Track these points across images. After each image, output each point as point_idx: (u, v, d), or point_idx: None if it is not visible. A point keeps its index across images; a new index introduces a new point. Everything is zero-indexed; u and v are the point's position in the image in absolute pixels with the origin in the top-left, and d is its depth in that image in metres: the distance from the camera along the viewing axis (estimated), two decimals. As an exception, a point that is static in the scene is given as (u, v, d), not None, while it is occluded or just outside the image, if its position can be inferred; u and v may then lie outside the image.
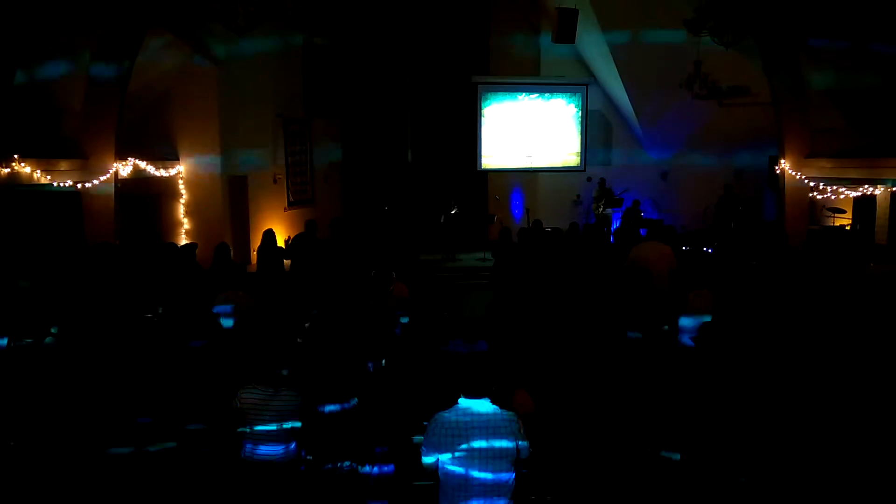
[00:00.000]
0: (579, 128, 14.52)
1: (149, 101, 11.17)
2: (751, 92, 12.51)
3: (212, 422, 4.16)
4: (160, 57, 10.29)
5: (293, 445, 3.81)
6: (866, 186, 10.69)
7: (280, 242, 9.48)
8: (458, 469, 3.05)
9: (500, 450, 3.07)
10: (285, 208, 12.70)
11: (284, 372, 3.84)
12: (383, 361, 5.05)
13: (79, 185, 9.08)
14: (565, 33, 11.50)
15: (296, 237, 9.36)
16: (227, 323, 5.71)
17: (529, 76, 14.43)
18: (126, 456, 3.98)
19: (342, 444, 4.10)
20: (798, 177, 11.01)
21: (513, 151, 14.40)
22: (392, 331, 5.63)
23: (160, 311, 6.26)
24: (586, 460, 4.06)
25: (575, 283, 7.51)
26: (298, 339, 5.30)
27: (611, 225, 13.57)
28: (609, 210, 13.70)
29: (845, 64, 9.92)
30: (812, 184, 11.05)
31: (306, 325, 5.50)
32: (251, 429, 3.68)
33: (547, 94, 14.39)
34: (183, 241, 11.34)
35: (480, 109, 14.17)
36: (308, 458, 4.01)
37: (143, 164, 10.57)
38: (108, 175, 9.33)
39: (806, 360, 4.89)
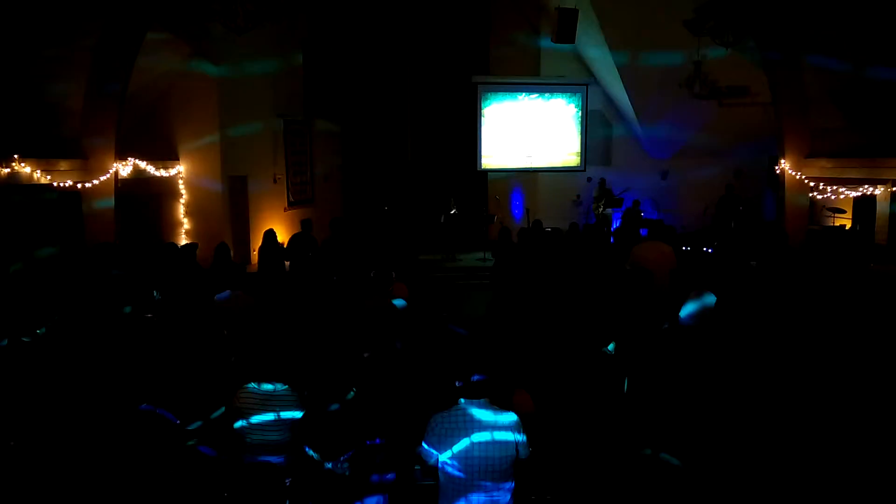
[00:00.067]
0: (579, 128, 14.52)
1: (149, 101, 11.17)
2: (751, 92, 12.52)
3: (211, 421, 4.16)
4: (160, 57, 10.29)
5: (294, 459, 3.81)
6: (866, 186, 10.69)
7: (283, 240, 9.49)
8: (458, 469, 3.05)
9: (500, 450, 3.08)
10: (285, 208, 12.71)
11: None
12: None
13: (79, 185, 9.08)
14: (565, 33, 11.52)
15: (293, 237, 9.37)
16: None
17: (529, 76, 14.43)
18: (126, 455, 3.98)
19: (342, 440, 4.10)
20: (798, 177, 11.01)
21: (513, 151, 14.40)
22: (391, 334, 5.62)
23: (160, 312, 6.26)
24: (586, 460, 4.06)
25: (575, 283, 7.51)
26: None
27: (611, 225, 13.57)
28: (609, 210, 13.70)
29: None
30: (812, 184, 11.05)
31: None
32: (248, 422, 3.68)
33: (547, 94, 14.39)
34: (183, 241, 11.34)
35: (480, 109, 14.17)
36: (315, 455, 4.01)
37: (143, 164, 10.57)
38: (108, 175, 9.33)
39: (806, 360, 4.89)
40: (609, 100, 14.62)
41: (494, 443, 3.07)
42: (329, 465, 4.00)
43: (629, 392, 4.24)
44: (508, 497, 3.14)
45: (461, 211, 13.11)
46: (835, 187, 11.01)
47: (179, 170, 11.71)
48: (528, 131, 14.40)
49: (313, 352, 4.97)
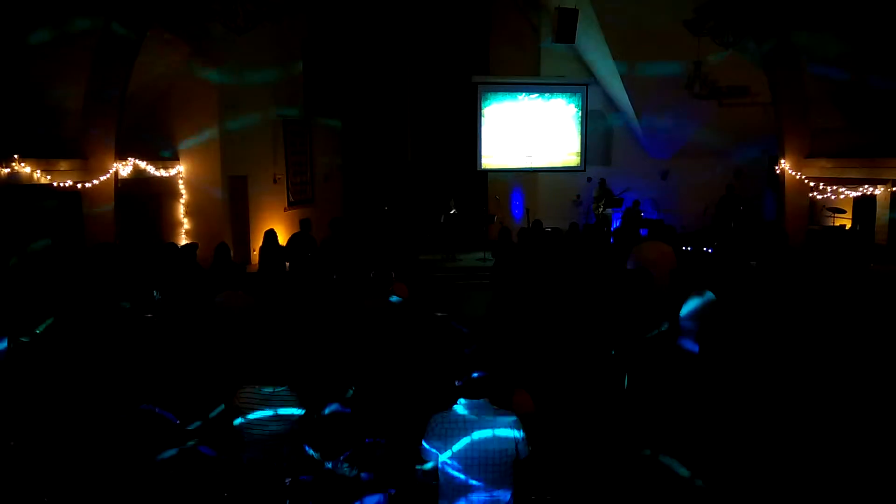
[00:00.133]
0: (579, 128, 14.52)
1: (149, 101, 11.16)
2: (751, 92, 12.52)
3: (211, 420, 4.16)
4: (160, 57, 10.29)
5: (294, 459, 3.81)
6: (866, 186, 10.69)
7: (283, 240, 9.49)
8: (458, 469, 3.05)
9: (500, 450, 3.08)
10: (285, 208, 12.71)
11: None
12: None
13: (79, 185, 9.08)
14: (565, 33, 11.52)
15: (292, 237, 9.37)
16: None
17: (529, 76, 14.43)
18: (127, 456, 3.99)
19: (342, 439, 4.10)
20: (798, 177, 11.01)
21: (513, 151, 14.40)
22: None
23: (160, 311, 6.26)
24: (586, 460, 4.06)
25: (575, 283, 7.51)
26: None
27: (611, 225, 13.57)
28: (609, 210, 13.70)
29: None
30: (812, 184, 11.05)
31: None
32: (245, 418, 3.68)
33: (547, 94, 14.39)
34: (183, 241, 11.34)
35: (480, 109, 14.17)
36: (314, 455, 4.01)
37: (143, 164, 10.57)
38: (108, 175, 9.33)
39: (806, 359, 4.88)
40: (609, 100, 14.62)
41: (494, 442, 3.07)
42: (329, 465, 3.99)
43: (629, 389, 4.23)
44: (508, 497, 3.14)
45: (461, 211, 13.12)
46: (835, 187, 11.01)
47: (179, 170, 11.71)
48: (528, 131, 14.40)
49: (313, 351, 4.97)
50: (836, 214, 11.88)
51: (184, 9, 9.74)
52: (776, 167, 11.51)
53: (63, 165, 8.87)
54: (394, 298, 5.96)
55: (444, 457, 3.07)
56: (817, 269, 8.39)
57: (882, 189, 10.67)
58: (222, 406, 3.91)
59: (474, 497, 3.08)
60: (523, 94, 14.34)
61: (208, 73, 11.19)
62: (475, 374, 3.15)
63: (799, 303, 6.60)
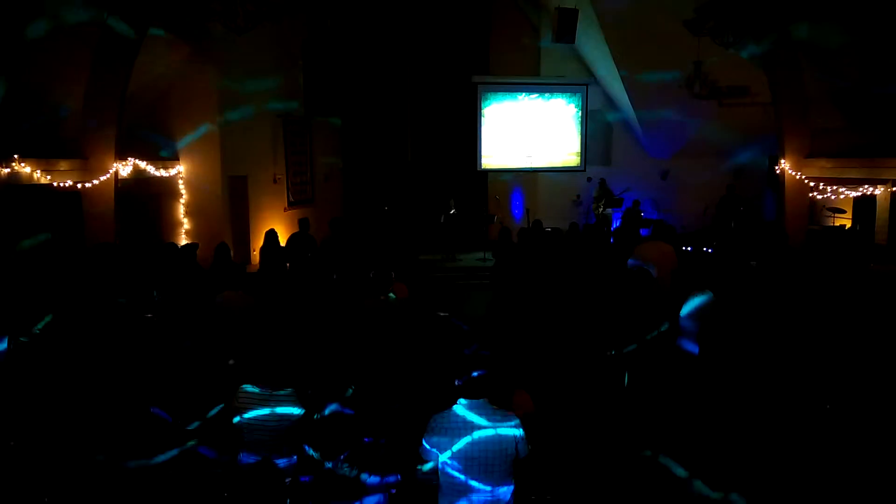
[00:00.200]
0: (579, 128, 14.52)
1: (149, 100, 11.16)
2: (751, 92, 12.51)
3: (210, 420, 4.16)
4: (160, 57, 10.28)
5: (294, 459, 3.81)
6: (866, 186, 10.69)
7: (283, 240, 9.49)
8: (458, 469, 3.05)
9: (500, 450, 3.08)
10: (285, 208, 12.71)
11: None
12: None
13: (79, 185, 9.08)
14: (565, 33, 11.52)
15: (291, 236, 9.36)
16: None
17: (529, 76, 14.44)
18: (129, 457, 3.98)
19: (341, 439, 4.10)
20: (798, 177, 11.00)
21: (513, 151, 14.40)
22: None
23: (160, 311, 6.26)
24: (586, 461, 4.06)
25: (575, 283, 7.51)
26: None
27: (611, 225, 13.57)
28: (609, 210, 13.70)
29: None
30: (812, 184, 11.05)
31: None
32: (242, 417, 3.68)
33: (547, 94, 14.40)
34: (183, 241, 11.34)
35: (480, 109, 14.17)
36: (314, 454, 4.00)
37: (143, 164, 10.57)
38: (108, 175, 9.33)
39: (806, 359, 4.88)
40: (609, 99, 14.62)
41: (494, 442, 3.07)
42: (329, 465, 3.99)
43: (629, 389, 4.24)
44: (508, 497, 3.14)
45: (461, 211, 13.12)
46: (835, 187, 11.02)
47: (179, 170, 11.71)
48: (528, 131, 14.40)
49: (313, 351, 4.97)
50: (836, 214, 11.88)
51: (184, 9, 9.73)
52: (776, 167, 11.50)
53: (63, 165, 8.87)
54: (392, 297, 5.96)
55: (444, 457, 3.07)
56: (817, 269, 8.39)
57: (882, 189, 10.67)
58: (221, 405, 3.91)
59: (474, 497, 3.08)
60: (523, 94, 14.34)
61: (208, 74, 11.18)
62: (475, 374, 3.16)
63: (799, 303, 6.60)
